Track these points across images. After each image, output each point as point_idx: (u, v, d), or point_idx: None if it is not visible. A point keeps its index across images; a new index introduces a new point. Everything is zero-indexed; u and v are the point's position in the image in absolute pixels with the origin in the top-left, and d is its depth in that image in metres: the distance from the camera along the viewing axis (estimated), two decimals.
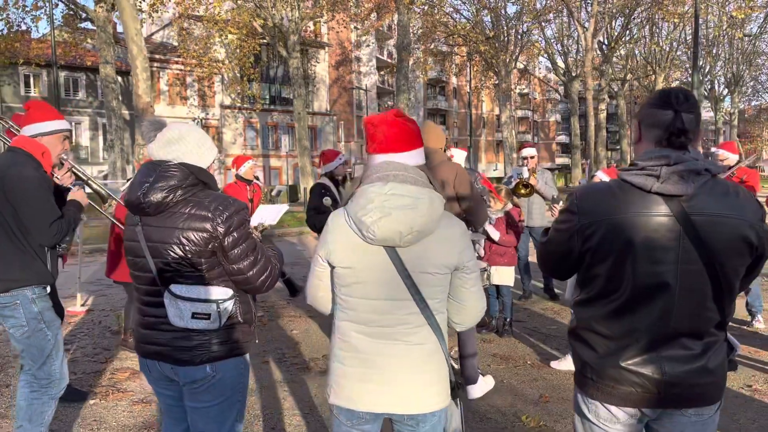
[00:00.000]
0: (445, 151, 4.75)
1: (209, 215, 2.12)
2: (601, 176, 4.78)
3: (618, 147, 53.13)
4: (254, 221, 2.92)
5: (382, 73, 56.58)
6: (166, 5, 26.56)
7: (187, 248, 2.11)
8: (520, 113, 70.36)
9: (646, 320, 1.84)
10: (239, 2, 26.11)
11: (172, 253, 2.12)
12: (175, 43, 36.47)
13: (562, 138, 74.48)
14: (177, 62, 37.45)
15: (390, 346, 1.91)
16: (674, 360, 1.85)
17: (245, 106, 40.25)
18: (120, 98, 22.04)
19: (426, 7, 29.66)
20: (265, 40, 30.52)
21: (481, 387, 4.39)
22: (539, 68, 59.33)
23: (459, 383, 2.05)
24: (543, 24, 35.39)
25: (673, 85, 47.80)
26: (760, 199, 4.81)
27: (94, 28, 22.10)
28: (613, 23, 36.45)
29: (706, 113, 52.19)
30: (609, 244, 1.83)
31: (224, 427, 2.26)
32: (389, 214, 1.82)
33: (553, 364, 5.05)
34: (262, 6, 26.74)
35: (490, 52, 31.86)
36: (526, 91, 69.02)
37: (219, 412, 2.23)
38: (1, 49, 23.49)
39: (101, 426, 3.93)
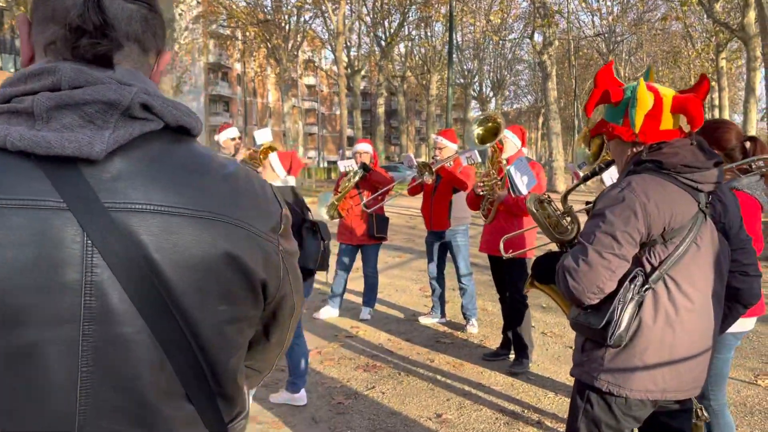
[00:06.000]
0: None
1: None
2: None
3: (398, 142, 55.28)
4: None
5: None
6: None
7: None
8: (307, 105, 70.10)
9: None
10: None
11: None
12: None
13: (350, 132, 75.89)
14: None
15: None
16: None
17: None
18: None
19: None
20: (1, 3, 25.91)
21: None
22: (326, 61, 59.41)
23: None
24: (325, 16, 34.93)
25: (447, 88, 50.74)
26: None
27: None
28: (391, 19, 37.26)
29: (475, 113, 56.41)
30: None
31: None
32: None
33: None
34: None
35: (261, 35, 30.58)
36: (313, 83, 68.86)
37: None
38: None
39: None
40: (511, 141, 4.56)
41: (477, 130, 4.41)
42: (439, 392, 4.12)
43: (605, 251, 1.75)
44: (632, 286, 1.76)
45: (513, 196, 3.85)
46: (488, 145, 4.30)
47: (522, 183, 3.42)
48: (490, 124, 4.44)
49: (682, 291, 1.78)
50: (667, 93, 1.83)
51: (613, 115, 1.91)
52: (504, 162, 4.23)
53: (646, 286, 1.77)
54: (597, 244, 1.76)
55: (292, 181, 3.70)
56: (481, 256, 5.78)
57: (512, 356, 4.72)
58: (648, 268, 1.80)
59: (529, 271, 2.29)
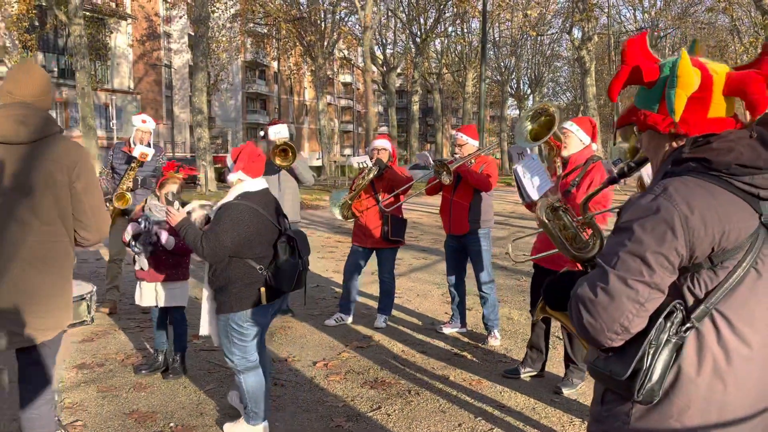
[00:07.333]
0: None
1: None
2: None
3: (434, 140, 54.62)
4: None
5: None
6: None
7: None
8: (343, 102, 70.02)
9: None
10: None
11: None
12: None
13: (384, 129, 75.50)
14: None
15: None
16: None
17: None
18: None
19: None
20: (42, 3, 26.51)
21: None
22: (362, 59, 59.10)
23: None
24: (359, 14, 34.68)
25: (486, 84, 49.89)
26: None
27: None
28: (426, 15, 36.76)
29: (513, 110, 55.41)
30: None
31: None
32: None
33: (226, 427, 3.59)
34: None
35: (295, 31, 30.49)
36: (349, 80, 68.68)
37: None
38: None
39: None
40: (575, 136, 3.87)
41: (529, 127, 3.74)
42: (451, 415, 3.71)
43: (632, 278, 1.33)
44: (668, 325, 1.33)
45: (523, 202, 3.33)
46: (542, 140, 3.62)
47: (532, 186, 2.90)
48: (543, 118, 3.77)
49: (737, 332, 1.34)
50: (719, 69, 1.39)
51: (647, 99, 1.48)
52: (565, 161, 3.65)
53: (687, 325, 1.34)
54: (621, 268, 1.34)
55: (253, 184, 3.22)
56: (502, 258, 5.40)
57: (529, 371, 4.31)
58: (690, 300, 1.36)
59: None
